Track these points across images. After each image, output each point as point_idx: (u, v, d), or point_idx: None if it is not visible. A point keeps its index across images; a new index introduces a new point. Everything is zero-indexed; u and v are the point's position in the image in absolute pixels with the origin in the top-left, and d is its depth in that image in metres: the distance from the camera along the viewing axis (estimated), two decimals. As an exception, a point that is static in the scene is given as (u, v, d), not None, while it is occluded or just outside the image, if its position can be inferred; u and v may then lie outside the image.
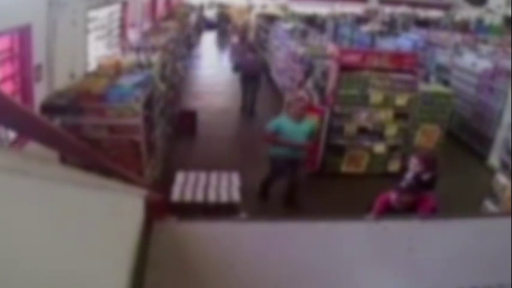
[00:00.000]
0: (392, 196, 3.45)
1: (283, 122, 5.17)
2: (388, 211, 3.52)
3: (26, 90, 4.22)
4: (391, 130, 6.40)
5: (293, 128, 5.09)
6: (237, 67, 9.11)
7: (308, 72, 7.60)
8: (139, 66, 6.00)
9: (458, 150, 7.83)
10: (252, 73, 8.80)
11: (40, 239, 0.91)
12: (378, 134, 6.40)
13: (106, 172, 1.76)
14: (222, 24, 20.77)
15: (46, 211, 0.96)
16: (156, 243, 1.72)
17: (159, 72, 6.40)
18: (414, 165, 3.74)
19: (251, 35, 17.15)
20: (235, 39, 16.45)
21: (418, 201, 3.45)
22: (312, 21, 17.13)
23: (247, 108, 9.24)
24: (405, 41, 11.95)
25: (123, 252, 1.45)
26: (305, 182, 5.77)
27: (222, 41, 19.47)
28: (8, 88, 4.01)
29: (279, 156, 5.24)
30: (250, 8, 20.67)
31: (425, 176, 3.64)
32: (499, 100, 7.40)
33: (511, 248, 1.72)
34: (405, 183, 3.59)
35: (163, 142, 6.49)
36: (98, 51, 6.68)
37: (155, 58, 6.49)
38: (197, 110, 8.29)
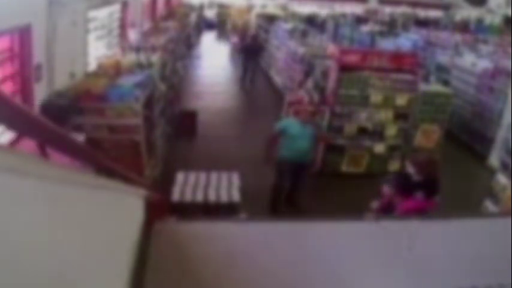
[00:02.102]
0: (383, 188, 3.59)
1: (291, 124, 5.12)
2: (389, 209, 3.58)
3: (26, 90, 4.22)
4: (391, 130, 6.40)
5: (299, 131, 5.01)
6: (242, 49, 11.96)
7: (308, 72, 7.61)
8: (139, 66, 5.99)
9: (458, 150, 7.83)
10: (251, 55, 11.43)
11: (40, 239, 0.91)
12: (378, 134, 6.39)
13: (106, 172, 1.76)
14: (222, 25, 20.94)
15: (46, 211, 0.96)
16: (156, 243, 1.72)
17: (159, 72, 6.40)
18: (407, 167, 3.84)
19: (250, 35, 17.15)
20: (235, 39, 16.48)
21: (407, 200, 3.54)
22: (312, 21, 17.13)
23: (246, 82, 11.67)
24: (405, 41, 11.95)
25: (123, 252, 1.45)
26: (305, 182, 5.76)
27: (222, 40, 19.78)
28: (8, 88, 4.01)
29: (285, 160, 5.14)
30: (250, 8, 20.68)
31: (416, 178, 3.69)
32: (499, 100, 7.40)
33: (511, 248, 1.72)
34: (388, 177, 3.70)
35: (163, 142, 6.49)
36: (98, 51, 6.67)
37: (155, 58, 6.48)
38: (197, 110, 8.29)
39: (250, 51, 11.40)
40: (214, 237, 1.79)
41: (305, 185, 5.55)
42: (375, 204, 3.76)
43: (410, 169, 3.75)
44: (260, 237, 1.84)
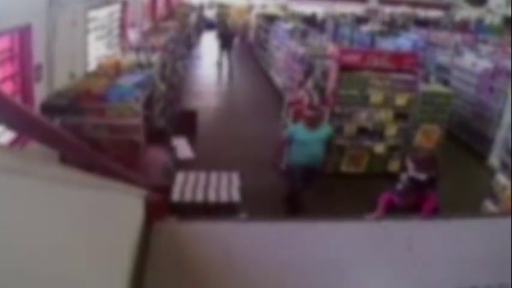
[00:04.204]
0: (395, 199, 3.51)
1: (297, 130, 5.06)
2: (393, 209, 3.55)
3: (26, 90, 4.22)
4: (391, 130, 6.40)
5: (307, 136, 4.94)
6: (219, 35, 14.58)
7: (308, 72, 7.60)
8: (139, 66, 5.99)
9: (458, 150, 7.83)
10: (225, 40, 13.98)
11: (40, 239, 0.91)
12: (378, 134, 6.39)
13: (106, 172, 1.76)
14: (221, 25, 21.02)
15: (46, 211, 0.96)
16: (156, 244, 1.72)
17: (159, 72, 6.40)
18: (408, 166, 3.81)
19: (251, 35, 17.21)
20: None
21: (421, 201, 3.48)
22: (312, 21, 17.12)
23: (221, 64, 14.03)
24: (405, 41, 11.94)
25: (123, 252, 1.45)
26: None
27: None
28: (8, 88, 4.01)
29: (295, 165, 5.12)
30: (250, 8, 20.68)
31: (422, 177, 3.67)
32: (499, 100, 7.40)
33: (511, 248, 1.72)
34: (401, 185, 3.62)
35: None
36: (98, 51, 6.67)
37: (155, 58, 6.49)
38: (197, 109, 8.28)
39: (223, 37, 14.10)
40: (214, 237, 1.79)
41: (314, 187, 5.48)
42: (369, 217, 3.70)
43: (411, 168, 3.76)
44: (260, 237, 1.84)
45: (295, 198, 5.40)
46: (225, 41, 14.06)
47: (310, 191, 5.75)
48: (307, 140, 4.95)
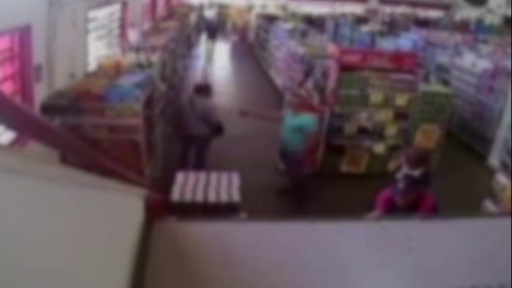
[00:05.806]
0: (397, 199, 3.50)
1: (288, 114, 5.45)
2: (392, 209, 3.55)
3: (26, 90, 4.22)
4: (391, 130, 6.40)
5: (286, 121, 5.32)
6: (205, 27, 16.99)
7: (308, 72, 7.60)
8: (140, 66, 5.99)
9: (458, 150, 7.83)
10: (211, 31, 16.11)
11: (40, 239, 0.91)
12: (377, 134, 6.39)
13: (106, 172, 1.76)
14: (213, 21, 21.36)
15: (46, 211, 0.96)
16: (156, 243, 1.72)
17: (159, 72, 6.40)
18: (402, 164, 3.85)
19: (251, 35, 17.25)
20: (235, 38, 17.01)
21: (419, 199, 3.48)
22: (312, 21, 17.12)
23: (210, 56, 15.45)
24: (405, 41, 11.94)
25: (123, 251, 1.45)
26: (305, 182, 5.76)
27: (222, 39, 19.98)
28: (8, 88, 4.01)
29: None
30: (250, 8, 20.68)
31: (416, 173, 3.70)
32: (499, 100, 7.40)
33: (511, 248, 1.72)
34: (402, 184, 3.62)
35: (163, 142, 6.49)
36: (98, 51, 6.67)
37: (155, 58, 6.48)
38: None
39: (210, 28, 16.30)
40: (214, 237, 1.80)
41: (302, 186, 5.58)
42: (370, 216, 3.71)
43: (404, 166, 3.80)
44: (260, 237, 1.84)
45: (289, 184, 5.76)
46: (211, 31, 16.16)
47: (311, 190, 5.76)
48: (285, 125, 5.34)
